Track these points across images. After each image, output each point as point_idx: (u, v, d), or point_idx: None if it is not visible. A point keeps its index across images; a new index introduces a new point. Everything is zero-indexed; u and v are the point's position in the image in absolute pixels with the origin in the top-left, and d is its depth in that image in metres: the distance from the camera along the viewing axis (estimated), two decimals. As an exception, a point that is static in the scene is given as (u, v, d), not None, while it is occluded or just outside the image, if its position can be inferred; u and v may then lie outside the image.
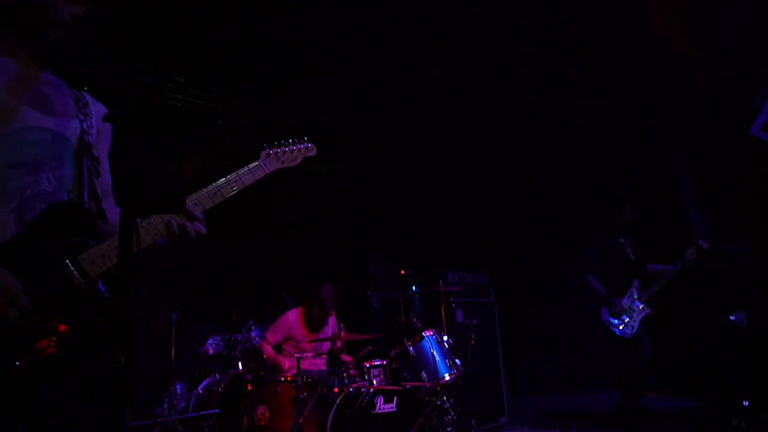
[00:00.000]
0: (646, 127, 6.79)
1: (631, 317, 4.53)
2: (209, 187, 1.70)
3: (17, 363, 1.28)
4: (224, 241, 6.49)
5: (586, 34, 5.94)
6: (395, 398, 3.62)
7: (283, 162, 2.00)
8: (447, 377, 3.86)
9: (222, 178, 1.79)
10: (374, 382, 3.78)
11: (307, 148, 2.09)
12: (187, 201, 1.63)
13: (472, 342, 5.02)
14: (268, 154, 1.96)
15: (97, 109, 1.70)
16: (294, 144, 2.06)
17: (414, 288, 5.35)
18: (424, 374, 3.85)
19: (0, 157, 1.43)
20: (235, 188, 1.76)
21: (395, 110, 7.29)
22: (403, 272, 6.02)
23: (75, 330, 1.35)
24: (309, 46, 6.14)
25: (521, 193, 8.03)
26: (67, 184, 1.54)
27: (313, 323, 4.63)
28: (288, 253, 6.97)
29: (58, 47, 1.52)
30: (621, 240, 4.84)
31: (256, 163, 1.89)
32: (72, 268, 1.42)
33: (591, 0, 5.58)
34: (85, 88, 1.72)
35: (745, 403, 4.65)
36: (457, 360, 4.04)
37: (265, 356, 4.51)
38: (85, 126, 1.60)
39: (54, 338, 1.33)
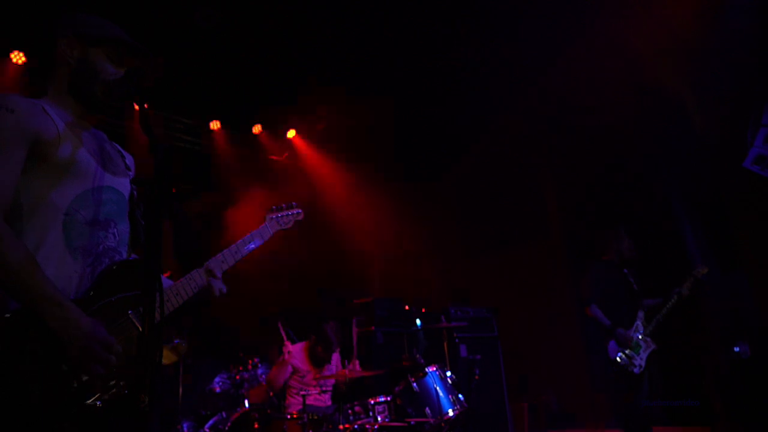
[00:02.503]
0: (644, 160, 6.94)
1: (638, 353, 4.51)
2: (231, 247, 1.96)
3: (98, 403, 1.43)
4: (228, 280, 6.58)
5: (581, 73, 6.16)
6: (400, 434, 3.67)
7: (281, 225, 2.29)
8: (451, 413, 3.91)
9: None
10: (378, 419, 3.83)
11: (298, 213, 2.39)
12: (215, 260, 1.88)
13: (476, 377, 5.05)
14: (272, 219, 2.26)
15: (130, 160, 1.89)
16: (289, 209, 2.36)
17: (418, 323, 5.42)
18: (428, 410, 3.89)
19: (80, 214, 1.59)
20: (252, 247, 2.04)
21: (394, 154, 7.49)
22: (407, 307, 6.09)
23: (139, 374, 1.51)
24: (306, 87, 6.37)
25: (523, 226, 8.15)
26: (125, 239, 1.72)
27: (317, 360, 4.70)
28: (292, 290, 7.05)
29: (103, 103, 1.71)
30: (625, 270, 4.87)
31: (263, 226, 2.18)
32: (135, 319, 1.60)
33: (585, 42, 5.80)
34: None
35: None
36: (460, 395, 4.09)
37: (273, 383, 4.57)
38: (132, 183, 1.79)
39: (123, 381, 1.50)
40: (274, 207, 2.31)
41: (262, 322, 5.18)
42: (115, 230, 1.68)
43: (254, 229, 2.14)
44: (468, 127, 7.26)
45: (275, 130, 7.53)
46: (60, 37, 1.69)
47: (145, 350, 1.29)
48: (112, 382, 1.48)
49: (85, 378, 1.44)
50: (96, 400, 1.44)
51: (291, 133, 7.63)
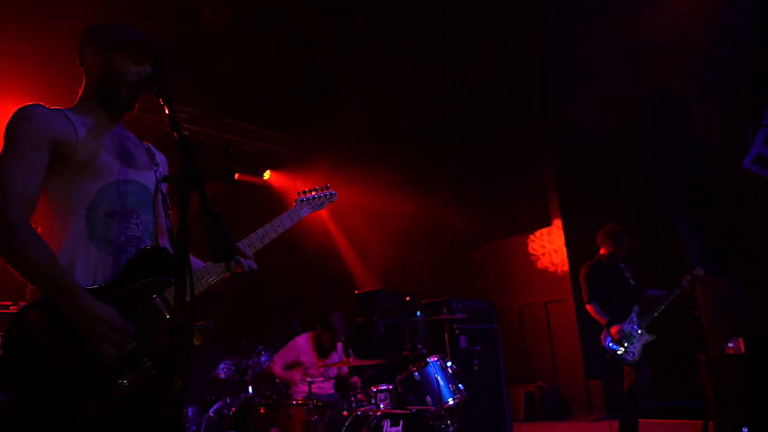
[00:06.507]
0: (642, 160, 7.02)
1: (631, 343, 4.64)
2: (259, 231, 2.00)
3: (125, 382, 1.54)
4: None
5: (583, 70, 6.22)
6: (401, 422, 3.77)
7: (313, 207, 2.30)
8: (451, 401, 4.00)
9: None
10: (381, 406, 3.94)
11: (331, 194, 2.41)
12: (241, 243, 1.94)
13: (476, 367, 5.17)
14: (302, 201, 2.27)
15: (161, 157, 2.01)
16: (321, 191, 2.36)
17: (418, 314, 5.52)
18: (428, 398, 3.99)
19: (101, 207, 1.70)
20: (280, 230, 2.06)
21: (396, 145, 7.55)
22: (408, 298, 6.19)
23: (164, 354, 1.62)
24: (314, 80, 6.42)
25: (523, 220, 8.24)
26: (149, 229, 1.82)
27: (322, 349, 4.81)
28: (296, 280, 7.14)
29: (129, 104, 1.83)
30: (621, 265, 4.98)
31: (292, 209, 2.19)
32: (160, 302, 1.69)
33: (586, 37, 5.85)
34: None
35: (745, 430, 4.76)
36: (460, 385, 4.19)
37: (276, 374, 4.67)
38: (158, 176, 1.89)
39: (149, 362, 1.60)
40: (306, 190, 2.32)
41: (270, 312, 5.28)
42: (138, 220, 1.77)
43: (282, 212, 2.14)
44: (471, 120, 7.33)
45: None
46: (83, 49, 1.82)
47: (174, 333, 1.38)
48: (140, 362, 1.58)
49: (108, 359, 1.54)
50: (123, 379, 1.54)
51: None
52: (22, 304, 1.63)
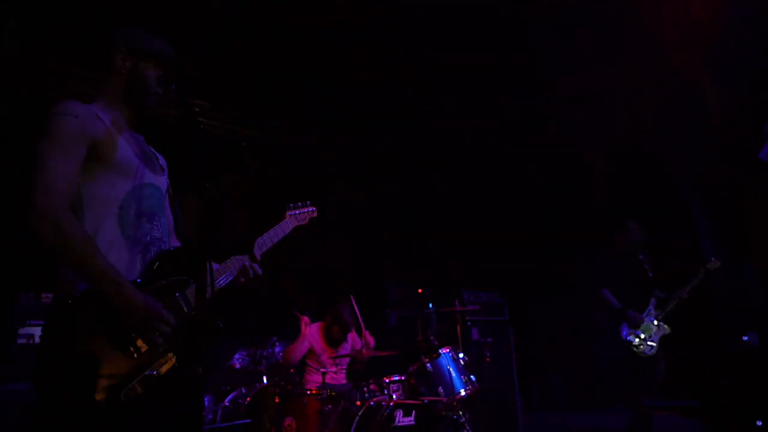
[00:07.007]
0: (657, 149, 6.96)
1: (649, 335, 4.57)
2: (258, 240, 2.14)
3: (154, 372, 1.60)
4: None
5: (596, 62, 6.16)
6: (414, 412, 3.82)
7: (299, 221, 2.47)
8: (463, 393, 4.03)
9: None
10: (394, 397, 3.99)
11: (312, 210, 2.60)
12: (256, 245, 2.07)
13: (487, 359, 5.20)
14: (291, 216, 2.44)
15: (163, 160, 2.07)
16: (305, 207, 2.56)
17: (430, 306, 5.54)
18: (440, 389, 4.02)
19: (131, 207, 1.77)
20: (275, 240, 2.23)
21: (410, 134, 7.55)
22: (420, 291, 6.21)
23: (185, 347, 1.68)
24: (325, 70, 6.42)
25: (534, 213, 8.22)
26: (166, 231, 1.90)
27: (333, 340, 4.87)
28: (306, 272, 7.19)
29: (153, 110, 1.90)
30: (640, 256, 4.88)
31: (284, 222, 2.36)
32: (182, 299, 1.76)
33: (601, 29, 5.80)
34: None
35: (759, 423, 4.74)
36: (472, 376, 4.22)
37: (290, 354, 4.75)
38: (167, 179, 1.96)
39: (174, 355, 1.67)
40: (291, 204, 2.48)
41: (279, 306, 5.36)
42: (159, 222, 1.85)
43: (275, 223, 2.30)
44: (481, 107, 7.28)
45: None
46: (116, 50, 1.86)
47: (197, 326, 1.44)
48: (167, 355, 1.65)
49: (143, 350, 1.60)
50: (153, 370, 1.61)
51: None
52: (46, 295, 1.68)
